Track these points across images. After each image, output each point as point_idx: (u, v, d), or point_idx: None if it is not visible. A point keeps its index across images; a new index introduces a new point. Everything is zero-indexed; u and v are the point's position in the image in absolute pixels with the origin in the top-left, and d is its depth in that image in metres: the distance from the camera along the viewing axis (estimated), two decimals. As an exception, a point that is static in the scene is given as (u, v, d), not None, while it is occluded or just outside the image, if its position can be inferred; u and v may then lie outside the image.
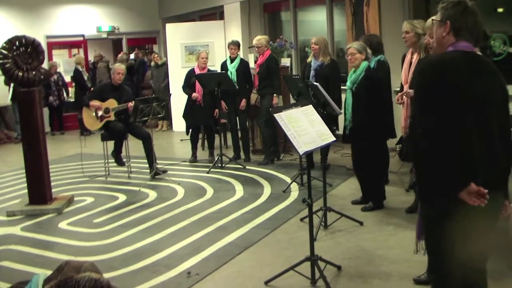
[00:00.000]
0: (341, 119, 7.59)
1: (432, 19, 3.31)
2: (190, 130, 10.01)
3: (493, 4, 8.91)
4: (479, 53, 3.09)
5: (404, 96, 6.10)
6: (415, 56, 6.16)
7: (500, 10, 8.98)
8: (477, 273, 3.19)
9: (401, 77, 6.60)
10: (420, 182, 3.14)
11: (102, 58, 15.56)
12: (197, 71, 9.66)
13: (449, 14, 3.06)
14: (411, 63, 6.23)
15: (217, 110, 9.53)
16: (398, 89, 6.97)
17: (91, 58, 16.39)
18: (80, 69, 14.05)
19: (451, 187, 2.89)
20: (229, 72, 9.40)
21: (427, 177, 3.02)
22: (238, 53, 9.70)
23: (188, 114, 9.81)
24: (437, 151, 2.88)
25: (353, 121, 6.51)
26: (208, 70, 9.85)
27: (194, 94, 9.57)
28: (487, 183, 2.87)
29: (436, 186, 2.97)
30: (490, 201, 2.88)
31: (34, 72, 7.24)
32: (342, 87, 8.33)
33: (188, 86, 9.71)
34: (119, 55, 15.19)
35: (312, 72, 8.35)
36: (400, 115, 6.51)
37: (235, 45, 9.65)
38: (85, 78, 14.05)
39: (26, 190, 7.49)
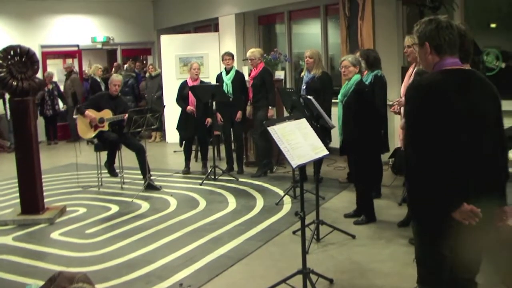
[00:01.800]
0: (334, 132, 7.63)
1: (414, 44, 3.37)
2: (184, 141, 10.02)
3: (486, 20, 8.97)
4: (466, 67, 3.11)
5: (397, 105, 6.15)
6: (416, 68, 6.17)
7: (493, 25, 9.05)
8: (468, 285, 3.21)
9: (397, 90, 6.63)
10: (412, 198, 3.17)
11: (72, 70, 15.40)
12: (190, 83, 9.67)
13: (425, 34, 3.12)
14: (411, 75, 6.25)
15: (209, 120, 9.54)
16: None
17: (85, 68, 16.42)
18: (97, 79, 14.02)
19: (444, 207, 2.93)
20: (224, 84, 9.42)
21: (420, 195, 3.06)
22: (233, 64, 9.73)
23: (182, 126, 9.81)
24: (428, 174, 2.95)
25: (343, 133, 6.55)
26: (201, 81, 9.86)
27: (189, 108, 9.58)
28: (479, 197, 2.90)
29: (428, 204, 3.00)
30: (483, 214, 2.91)
31: (28, 82, 7.24)
32: (333, 100, 8.38)
33: (181, 98, 9.72)
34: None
35: (303, 85, 8.39)
36: (396, 128, 6.54)
37: (229, 55, 9.67)
38: (102, 87, 13.94)
39: (18, 200, 7.46)
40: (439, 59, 3.09)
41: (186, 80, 9.84)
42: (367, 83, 7.03)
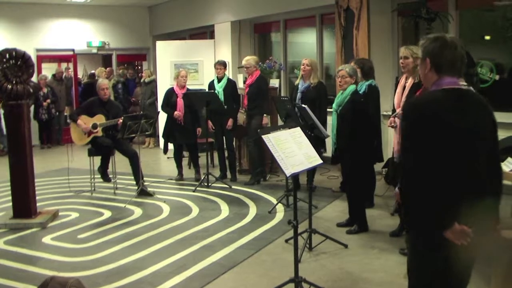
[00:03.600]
0: (328, 141, 7.65)
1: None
2: (173, 149, 10.02)
3: (480, 32, 9.03)
4: (462, 84, 3.12)
5: (396, 119, 6.15)
6: (410, 80, 6.17)
7: (487, 37, 9.10)
8: None
9: (391, 100, 6.64)
10: (407, 211, 3.17)
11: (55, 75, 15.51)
12: (177, 90, 9.65)
13: (428, 50, 3.12)
14: (404, 87, 6.25)
15: (199, 129, 9.54)
16: (389, 113, 7.01)
17: (79, 72, 16.43)
18: None
19: (436, 226, 2.94)
20: (216, 92, 9.43)
21: (414, 210, 3.07)
22: (225, 72, 9.74)
23: (168, 133, 9.80)
24: (420, 193, 2.95)
25: (338, 142, 6.57)
26: (187, 89, 9.84)
27: (176, 113, 9.55)
28: (473, 215, 2.91)
29: (420, 222, 3.02)
30: (476, 231, 2.91)
31: (23, 85, 7.23)
32: (328, 109, 8.40)
33: (168, 105, 9.69)
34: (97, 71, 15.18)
35: (299, 95, 8.39)
36: (389, 139, 6.56)
37: (221, 64, 9.70)
38: None
39: (10, 203, 7.44)
40: (437, 78, 3.09)
41: (173, 87, 9.80)
42: (361, 92, 7.05)
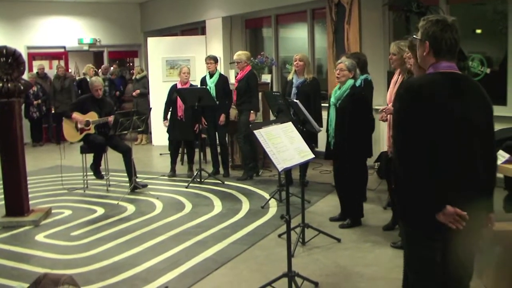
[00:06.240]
0: (320, 136, 7.66)
1: (414, 37, 3.33)
2: (172, 145, 10.02)
3: (471, 26, 9.04)
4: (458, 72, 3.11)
5: (384, 113, 6.15)
6: (400, 78, 6.17)
7: (478, 31, 9.12)
8: None
9: (382, 95, 6.64)
10: (399, 201, 3.17)
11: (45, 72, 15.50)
12: (179, 86, 9.67)
13: (428, 33, 3.07)
14: (396, 82, 6.26)
15: (197, 125, 9.55)
16: (380, 107, 7.00)
17: (71, 69, 16.40)
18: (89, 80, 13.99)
19: (428, 209, 2.93)
20: (208, 87, 9.42)
21: (405, 198, 3.06)
22: (217, 68, 9.73)
23: (170, 129, 9.81)
24: (412, 175, 2.94)
25: (336, 137, 6.54)
26: (191, 85, 9.86)
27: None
28: (467, 201, 2.91)
29: (414, 207, 3.01)
30: (471, 219, 2.91)
31: (14, 83, 7.20)
32: (323, 105, 8.40)
33: (170, 101, 9.73)
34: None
35: (294, 90, 8.38)
36: (381, 133, 6.57)
37: (211, 59, 9.68)
38: None
39: (3, 202, 7.43)
40: (435, 61, 3.07)
41: (176, 84, 9.83)
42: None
